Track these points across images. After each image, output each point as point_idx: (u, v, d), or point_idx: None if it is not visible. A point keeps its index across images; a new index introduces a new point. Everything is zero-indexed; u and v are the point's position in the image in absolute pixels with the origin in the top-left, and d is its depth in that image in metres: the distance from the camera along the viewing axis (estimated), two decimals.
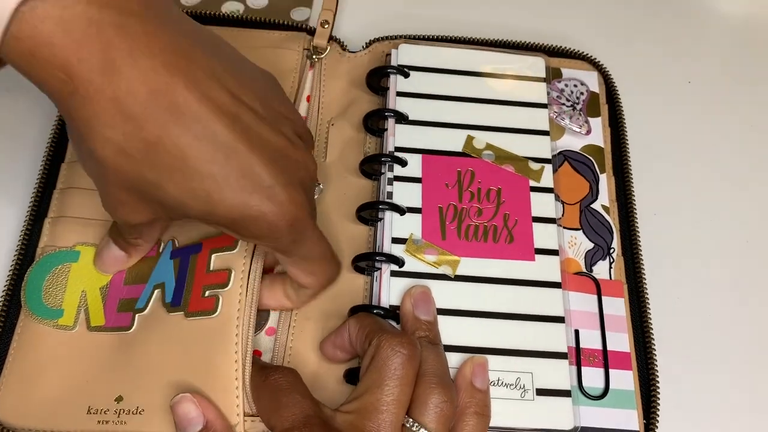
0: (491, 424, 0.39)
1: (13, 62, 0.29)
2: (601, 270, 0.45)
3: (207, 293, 0.40)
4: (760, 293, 0.48)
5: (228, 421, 0.37)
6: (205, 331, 0.39)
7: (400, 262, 0.42)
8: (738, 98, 0.55)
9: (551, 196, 0.45)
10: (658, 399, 0.42)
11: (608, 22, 0.58)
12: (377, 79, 0.49)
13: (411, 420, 0.35)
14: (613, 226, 0.47)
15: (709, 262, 0.49)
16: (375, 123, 0.47)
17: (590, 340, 0.43)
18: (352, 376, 0.40)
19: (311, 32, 0.51)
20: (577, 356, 0.42)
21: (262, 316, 0.43)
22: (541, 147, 0.47)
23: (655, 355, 0.43)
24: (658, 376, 0.42)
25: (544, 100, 0.49)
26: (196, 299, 0.40)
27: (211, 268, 0.40)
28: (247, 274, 0.40)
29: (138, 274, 0.42)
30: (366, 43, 0.51)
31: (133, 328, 0.40)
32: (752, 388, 0.45)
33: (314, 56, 0.50)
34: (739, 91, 0.56)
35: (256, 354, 0.41)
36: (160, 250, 0.42)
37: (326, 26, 0.50)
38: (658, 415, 0.41)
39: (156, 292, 0.41)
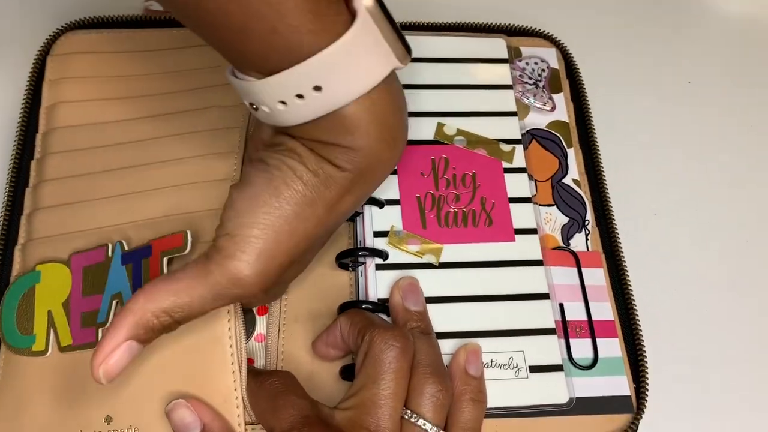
0: (489, 406, 0.39)
1: (324, 125, 0.33)
2: (578, 242, 0.46)
3: None
4: (736, 258, 0.50)
5: (226, 421, 0.37)
6: (192, 343, 0.38)
7: (384, 255, 0.42)
8: (736, 98, 0.57)
9: (524, 175, 0.46)
10: (646, 363, 0.43)
11: (603, 20, 0.60)
12: None
13: (408, 411, 0.35)
14: (585, 199, 0.48)
15: (685, 230, 0.51)
16: None
17: (575, 312, 0.43)
18: (348, 373, 0.40)
19: None
20: (564, 329, 0.43)
21: (248, 323, 0.42)
22: (511, 128, 0.47)
23: (639, 320, 0.44)
24: (643, 340, 0.43)
25: (509, 81, 0.49)
26: None
27: (165, 273, 0.39)
28: None
29: (94, 283, 0.40)
30: None
31: None
32: (735, 346, 0.47)
33: None
34: (737, 92, 0.57)
35: (249, 362, 0.41)
36: (109, 254, 0.40)
37: None
38: (647, 379, 0.42)
39: (114, 303, 0.39)
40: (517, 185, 0.45)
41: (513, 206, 0.45)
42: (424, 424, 0.35)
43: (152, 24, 0.51)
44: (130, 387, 0.38)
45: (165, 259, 0.39)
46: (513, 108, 0.48)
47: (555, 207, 0.47)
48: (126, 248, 0.40)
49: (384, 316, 0.40)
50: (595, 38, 0.57)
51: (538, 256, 0.43)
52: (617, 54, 0.58)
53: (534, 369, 0.41)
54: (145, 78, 0.47)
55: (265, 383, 0.37)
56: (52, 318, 0.40)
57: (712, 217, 0.51)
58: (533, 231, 0.44)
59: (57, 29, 0.49)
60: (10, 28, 0.53)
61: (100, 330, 0.39)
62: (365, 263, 0.42)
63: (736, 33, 0.60)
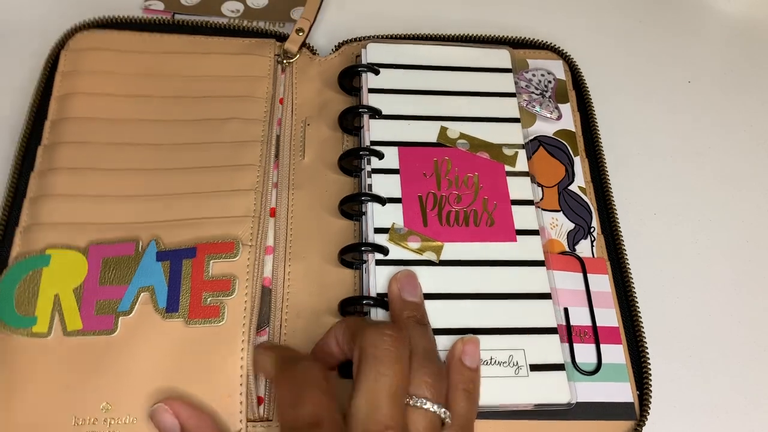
0: (489, 403, 0.39)
1: None
2: (583, 249, 0.46)
3: (209, 300, 0.40)
4: (738, 260, 0.50)
5: (218, 426, 0.37)
6: (208, 338, 0.39)
7: (384, 251, 0.43)
8: (736, 98, 0.57)
9: (527, 179, 0.46)
10: (650, 370, 0.42)
11: (603, 22, 0.61)
12: (349, 79, 0.50)
13: (413, 397, 0.35)
14: (591, 206, 0.48)
15: (685, 230, 0.51)
16: (350, 122, 0.48)
17: (579, 317, 0.43)
18: (345, 370, 0.40)
19: (279, 38, 0.52)
20: (569, 334, 0.42)
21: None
22: (513, 133, 0.48)
23: (643, 328, 0.44)
24: (647, 348, 0.43)
25: (512, 90, 0.50)
26: (197, 306, 0.40)
27: (211, 275, 0.41)
28: (252, 282, 0.41)
29: (117, 274, 0.41)
30: (335, 46, 0.52)
31: (117, 331, 0.39)
32: (740, 352, 0.46)
33: (284, 60, 0.51)
34: (737, 92, 0.57)
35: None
36: (140, 249, 0.41)
37: (301, 34, 0.51)
38: (651, 386, 0.42)
39: (143, 295, 0.40)
40: (520, 188, 0.46)
41: (515, 208, 0.45)
42: (432, 406, 0.34)
43: (168, 29, 0.52)
44: (132, 376, 0.38)
45: (211, 262, 0.41)
46: (516, 114, 0.49)
47: (561, 213, 0.47)
48: (162, 247, 0.41)
49: (383, 312, 0.41)
50: (595, 39, 0.58)
51: (540, 257, 0.43)
52: (617, 54, 0.58)
53: (534, 367, 0.40)
54: (162, 79, 0.48)
55: (294, 370, 0.36)
56: (59, 301, 0.40)
57: (712, 217, 0.51)
58: (535, 232, 0.44)
59: (73, 26, 0.50)
60: (28, 25, 0.54)
61: (120, 318, 0.39)
62: (368, 260, 0.43)
63: (736, 33, 0.60)
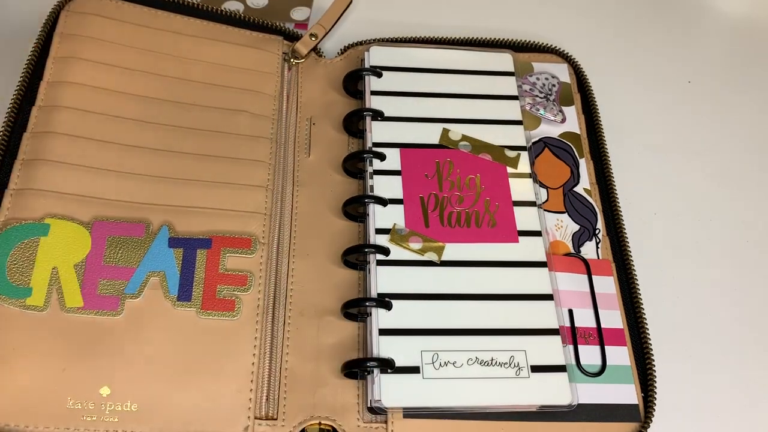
0: (490, 404, 0.39)
1: None
2: (588, 250, 0.46)
3: (223, 293, 0.40)
4: (740, 260, 0.49)
5: None
6: (220, 331, 0.39)
7: (385, 251, 0.43)
8: (736, 98, 0.57)
9: (529, 181, 0.46)
10: (654, 372, 0.42)
11: (604, 21, 0.61)
12: (353, 82, 0.50)
13: None
14: (596, 208, 0.47)
15: (686, 230, 0.51)
16: (355, 124, 0.49)
17: (584, 319, 0.43)
18: (350, 369, 0.40)
19: (287, 36, 0.52)
20: (573, 335, 0.42)
21: None
22: (516, 136, 0.48)
23: (648, 330, 0.44)
24: (652, 350, 0.43)
25: (515, 93, 0.50)
26: (210, 298, 0.40)
27: (226, 268, 0.41)
28: (265, 279, 0.41)
29: (123, 255, 0.40)
30: (341, 50, 0.53)
31: (123, 314, 0.38)
32: (745, 352, 0.46)
33: (292, 59, 0.51)
34: (737, 92, 0.57)
35: None
36: (150, 232, 0.41)
37: (313, 39, 0.51)
38: (656, 388, 0.41)
39: (152, 279, 0.39)
40: (522, 189, 0.46)
41: (517, 209, 0.45)
42: None
43: (172, 8, 0.50)
44: (137, 362, 0.37)
45: (227, 255, 0.41)
46: (518, 117, 0.49)
47: (566, 214, 0.47)
48: (175, 233, 0.41)
49: (383, 311, 0.41)
50: (595, 40, 0.58)
51: (542, 258, 0.43)
52: (617, 54, 0.58)
53: (536, 369, 0.40)
54: (167, 58, 0.47)
55: None
56: (58, 276, 0.39)
57: (712, 216, 0.51)
58: (537, 233, 0.44)
59: None
60: None
61: (126, 301, 0.39)
62: (369, 261, 0.43)
63: (736, 33, 0.60)
